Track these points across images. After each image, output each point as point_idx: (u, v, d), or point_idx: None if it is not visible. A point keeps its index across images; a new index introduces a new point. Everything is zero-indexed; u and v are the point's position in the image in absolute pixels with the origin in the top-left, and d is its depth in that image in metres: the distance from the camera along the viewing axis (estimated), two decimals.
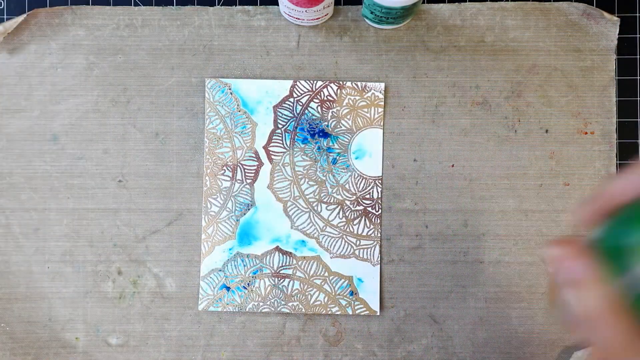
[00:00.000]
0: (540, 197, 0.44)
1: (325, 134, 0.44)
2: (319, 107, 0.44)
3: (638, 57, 0.45)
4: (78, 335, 0.44)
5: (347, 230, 0.44)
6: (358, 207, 0.44)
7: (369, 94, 0.44)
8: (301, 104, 0.44)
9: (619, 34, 0.45)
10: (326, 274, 0.44)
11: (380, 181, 0.44)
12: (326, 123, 0.44)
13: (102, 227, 0.44)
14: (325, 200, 0.44)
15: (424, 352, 0.44)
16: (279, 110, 0.44)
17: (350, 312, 0.44)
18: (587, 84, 0.45)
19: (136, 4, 0.45)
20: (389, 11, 0.40)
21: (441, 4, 0.45)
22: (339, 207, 0.44)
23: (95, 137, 0.45)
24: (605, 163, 0.44)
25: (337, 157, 0.44)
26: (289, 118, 0.44)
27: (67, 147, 0.45)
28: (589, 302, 0.22)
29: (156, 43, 0.45)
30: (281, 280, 0.44)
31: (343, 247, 0.44)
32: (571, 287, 0.23)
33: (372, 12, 0.42)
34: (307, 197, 0.44)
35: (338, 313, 0.44)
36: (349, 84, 0.44)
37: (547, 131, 0.45)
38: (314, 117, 0.44)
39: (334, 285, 0.44)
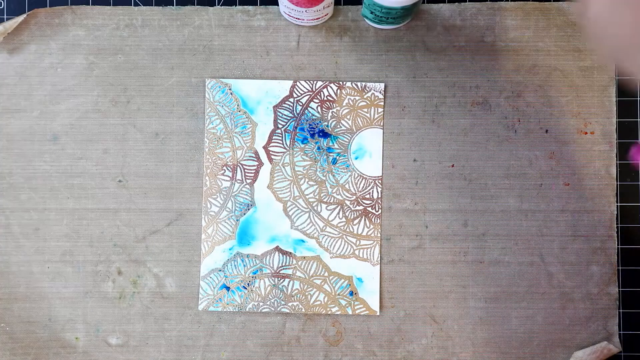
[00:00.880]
0: (540, 197, 0.44)
1: (325, 134, 0.44)
2: (319, 107, 0.44)
3: None
4: (78, 335, 0.44)
5: (347, 230, 0.44)
6: (358, 207, 0.44)
7: (369, 94, 0.44)
8: (301, 104, 0.44)
9: None
10: (326, 274, 0.44)
11: (380, 181, 0.44)
12: (326, 123, 0.44)
13: (102, 227, 0.44)
14: (325, 200, 0.44)
15: (423, 352, 0.44)
16: (279, 110, 0.44)
17: (350, 312, 0.44)
18: (587, 84, 0.45)
19: (136, 4, 0.45)
20: (389, 11, 0.40)
21: (441, 4, 0.45)
22: (339, 207, 0.44)
23: (95, 137, 0.45)
24: (605, 163, 0.44)
25: (337, 157, 0.44)
26: (289, 118, 0.44)
27: (67, 147, 0.45)
28: None
29: (156, 43, 0.45)
30: (281, 280, 0.44)
31: (343, 247, 0.44)
32: None
33: (372, 12, 0.42)
34: (307, 197, 0.44)
35: (338, 313, 0.44)
36: (348, 84, 0.44)
37: (547, 131, 0.45)
38: (314, 117, 0.44)
39: (333, 285, 0.44)
